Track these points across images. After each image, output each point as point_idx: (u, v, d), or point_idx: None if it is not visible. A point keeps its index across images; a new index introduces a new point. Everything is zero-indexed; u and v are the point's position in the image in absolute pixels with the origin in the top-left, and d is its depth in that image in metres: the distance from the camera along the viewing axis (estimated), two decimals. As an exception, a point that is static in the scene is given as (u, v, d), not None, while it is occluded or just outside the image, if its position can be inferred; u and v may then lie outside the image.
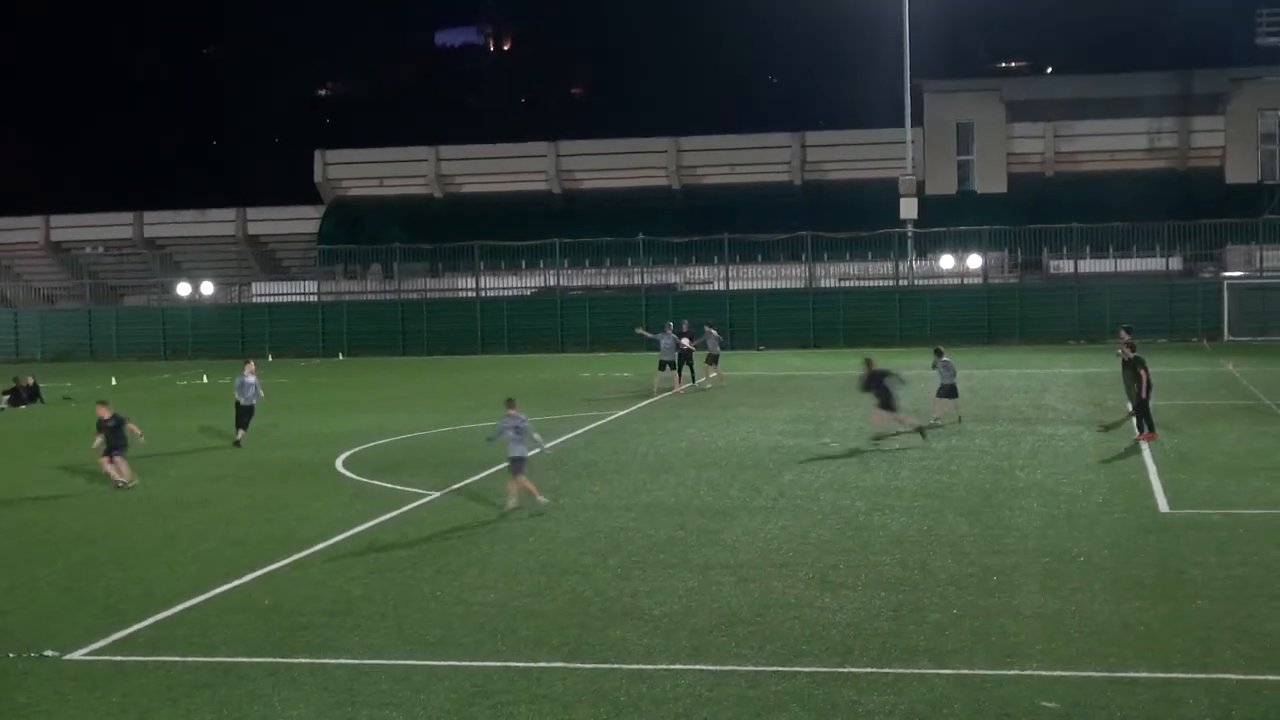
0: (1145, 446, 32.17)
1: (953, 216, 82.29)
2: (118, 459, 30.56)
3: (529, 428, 25.78)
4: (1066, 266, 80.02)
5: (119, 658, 17.04)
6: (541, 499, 25.85)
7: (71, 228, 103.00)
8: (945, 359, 38.25)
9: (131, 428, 31.12)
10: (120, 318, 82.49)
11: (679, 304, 74.02)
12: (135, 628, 18.34)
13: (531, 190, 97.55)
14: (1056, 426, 36.56)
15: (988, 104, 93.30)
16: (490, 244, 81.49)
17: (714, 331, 52.10)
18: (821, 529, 23.62)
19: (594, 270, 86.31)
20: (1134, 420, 34.40)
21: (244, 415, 37.06)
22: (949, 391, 37.93)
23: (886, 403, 34.47)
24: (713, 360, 51.45)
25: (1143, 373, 33.49)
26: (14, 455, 36.88)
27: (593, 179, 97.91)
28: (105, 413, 30.64)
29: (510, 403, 26.40)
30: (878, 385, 34.58)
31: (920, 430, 34.34)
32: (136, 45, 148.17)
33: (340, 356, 73.47)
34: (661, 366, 48.90)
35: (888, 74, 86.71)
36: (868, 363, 35.48)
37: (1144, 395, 33.58)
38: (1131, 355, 34.23)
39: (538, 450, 27.00)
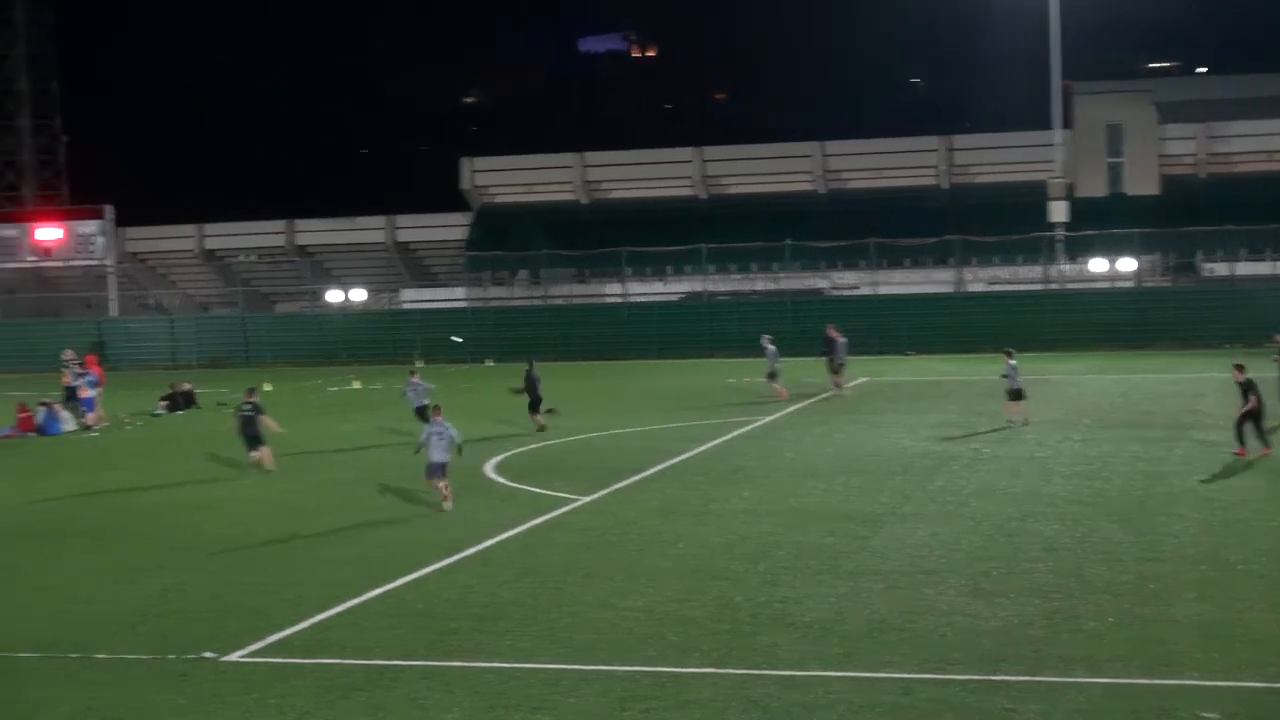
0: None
1: (1103, 219, 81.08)
2: (263, 450, 33.37)
3: (452, 434, 28.01)
4: (1221, 269, 78.55)
5: (275, 660, 17.26)
6: (449, 505, 27.53)
7: (225, 236, 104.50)
8: (1014, 363, 38.77)
9: (267, 420, 33.48)
10: (273, 324, 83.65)
11: (826, 309, 73.63)
12: (290, 631, 18.56)
13: (677, 196, 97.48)
14: (1210, 432, 35.82)
15: (1138, 105, 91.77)
16: (636, 250, 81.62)
17: (770, 345, 49.10)
18: (972, 536, 23.38)
19: (740, 275, 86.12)
20: None
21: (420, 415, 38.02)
22: (1017, 394, 38.49)
23: (1019, 394, 37.90)
24: (772, 376, 48.76)
25: None
26: (168, 460, 37.48)
27: (738, 184, 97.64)
28: (251, 397, 33.94)
29: (437, 409, 29.50)
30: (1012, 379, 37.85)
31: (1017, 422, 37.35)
32: (287, 55, 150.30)
33: (488, 362, 73.91)
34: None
35: (1034, 75, 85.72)
36: (1008, 354, 38.60)
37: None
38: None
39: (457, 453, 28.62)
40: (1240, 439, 32.12)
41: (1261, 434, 32.14)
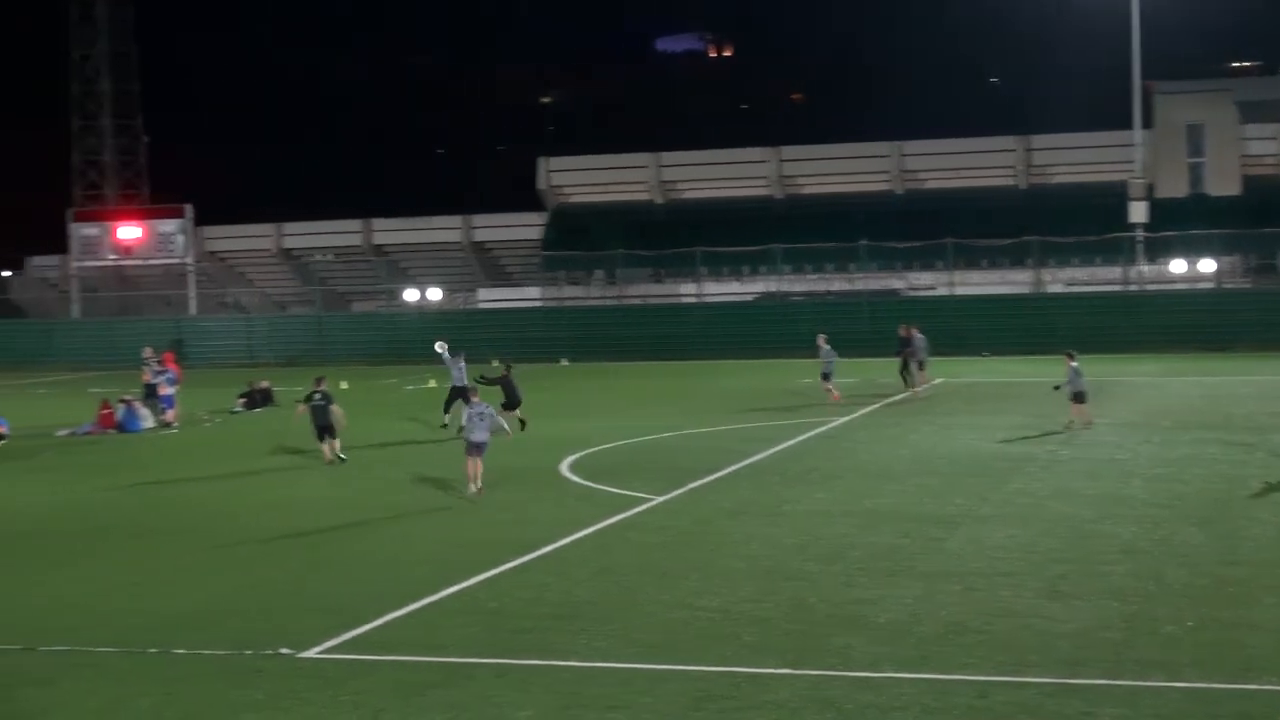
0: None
1: (1183, 220, 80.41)
2: (331, 441, 34.64)
3: (491, 415, 29.55)
4: (1303, 270, 77.84)
5: (351, 657, 17.34)
6: (474, 487, 28.82)
7: (302, 235, 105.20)
8: (1075, 364, 38.35)
9: (336, 410, 34.48)
10: (349, 324, 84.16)
11: (902, 309, 73.52)
12: (366, 628, 18.64)
13: (752, 196, 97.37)
14: (1293, 435, 35.54)
15: (1219, 105, 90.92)
16: (711, 250, 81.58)
17: (826, 345, 48.39)
18: (1049, 538, 23.22)
19: (816, 275, 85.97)
20: None
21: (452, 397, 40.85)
22: (1080, 397, 38.04)
23: (1081, 397, 37.80)
24: (825, 376, 48.04)
25: None
26: (246, 458, 37.74)
27: (814, 184, 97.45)
28: (320, 386, 35.18)
29: (474, 390, 33.97)
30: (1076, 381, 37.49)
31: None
32: (365, 55, 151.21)
33: (563, 361, 74.03)
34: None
35: (1113, 75, 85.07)
36: (1070, 356, 38.18)
37: None
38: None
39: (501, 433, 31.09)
40: None
41: None
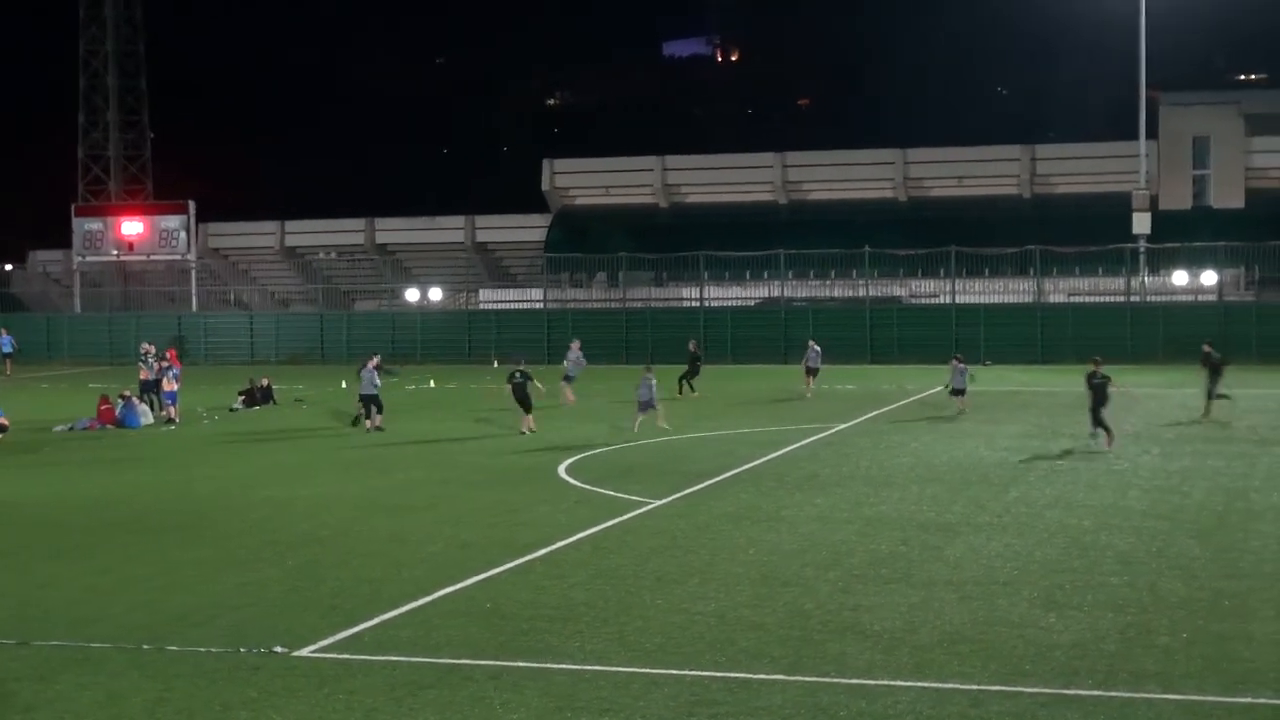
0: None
1: (1187, 232, 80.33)
2: (527, 416, 40.66)
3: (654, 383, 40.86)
4: (1307, 285, 77.67)
5: (345, 656, 17.37)
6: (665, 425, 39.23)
7: (306, 233, 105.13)
8: (962, 365, 44.32)
9: (536, 384, 41.58)
10: (351, 322, 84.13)
11: (903, 317, 73.58)
12: (361, 627, 18.67)
13: (757, 201, 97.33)
14: (1294, 448, 35.52)
15: (1226, 117, 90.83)
16: (715, 254, 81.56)
17: (815, 346, 54.32)
18: (1047, 548, 23.24)
19: (819, 282, 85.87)
20: None
21: (369, 404, 42.68)
22: (959, 392, 43.97)
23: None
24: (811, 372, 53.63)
25: None
26: (246, 455, 37.80)
27: (819, 190, 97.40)
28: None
29: (648, 367, 43.86)
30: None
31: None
32: (371, 54, 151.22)
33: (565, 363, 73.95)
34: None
35: (1119, 86, 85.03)
36: (1095, 361, 37.66)
37: None
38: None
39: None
40: None
41: None
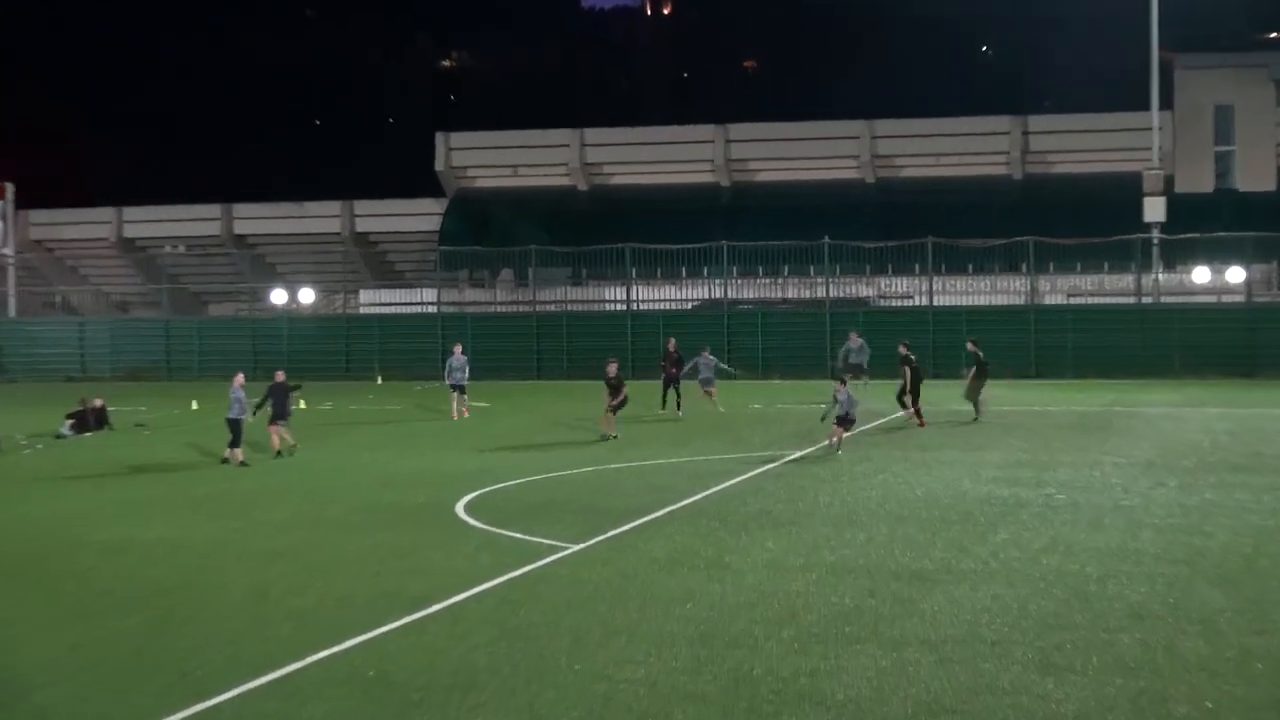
0: None
1: (1208, 219, 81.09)
2: (280, 426, 42.32)
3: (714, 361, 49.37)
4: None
5: (198, 735, 17.28)
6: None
7: (148, 223, 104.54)
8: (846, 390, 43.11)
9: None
10: (203, 330, 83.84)
11: (871, 321, 73.81)
12: (217, 699, 18.54)
13: (694, 183, 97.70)
14: (1335, 479, 35.93)
15: (1252, 83, 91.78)
16: (644, 247, 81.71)
17: (709, 356, 57.58)
18: (1043, 599, 23.37)
19: (769, 280, 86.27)
20: None
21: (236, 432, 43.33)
22: (846, 420, 42.78)
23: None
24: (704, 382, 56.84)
25: None
26: (77, 491, 37.53)
27: (768, 170, 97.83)
28: (281, 376, 44.36)
29: (707, 348, 54.38)
30: None
31: None
32: (225, 9, 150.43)
33: (378, 380, 74.12)
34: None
35: (1128, 46, 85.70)
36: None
37: None
38: None
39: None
40: None
41: None
